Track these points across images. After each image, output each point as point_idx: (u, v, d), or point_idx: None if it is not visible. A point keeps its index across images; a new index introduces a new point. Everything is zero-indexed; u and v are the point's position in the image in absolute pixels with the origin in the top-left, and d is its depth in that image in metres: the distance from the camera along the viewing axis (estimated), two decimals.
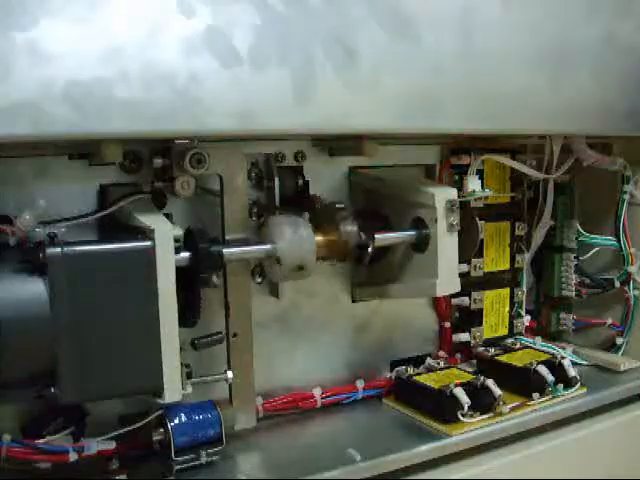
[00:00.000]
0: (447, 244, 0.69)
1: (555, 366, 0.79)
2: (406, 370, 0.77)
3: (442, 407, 0.71)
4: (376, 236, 0.67)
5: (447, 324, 0.86)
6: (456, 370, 0.78)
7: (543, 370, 0.77)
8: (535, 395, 0.76)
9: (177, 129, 0.50)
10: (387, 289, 0.75)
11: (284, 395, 0.75)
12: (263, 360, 0.74)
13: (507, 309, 0.87)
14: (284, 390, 0.76)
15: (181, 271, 0.58)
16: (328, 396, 0.77)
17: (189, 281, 0.61)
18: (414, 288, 0.72)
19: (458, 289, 0.71)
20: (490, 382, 0.73)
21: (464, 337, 0.85)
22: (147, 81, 0.49)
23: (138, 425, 0.62)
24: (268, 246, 0.63)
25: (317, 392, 0.76)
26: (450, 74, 0.63)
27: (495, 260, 0.85)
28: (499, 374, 0.80)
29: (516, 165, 0.78)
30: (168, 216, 0.67)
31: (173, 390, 0.57)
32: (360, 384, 0.78)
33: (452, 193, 0.69)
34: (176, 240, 0.57)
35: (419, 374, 0.77)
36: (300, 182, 0.72)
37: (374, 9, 0.58)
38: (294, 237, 0.62)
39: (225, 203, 0.64)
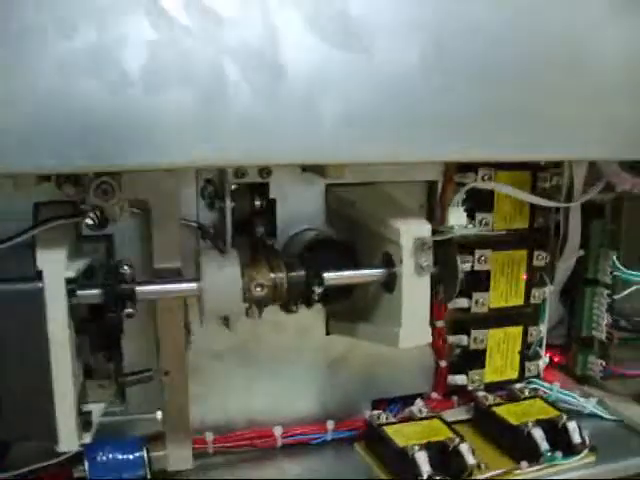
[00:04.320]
0: (415, 288, 0.59)
1: (558, 428, 0.67)
2: (378, 417, 0.68)
3: (401, 470, 0.62)
4: (325, 275, 0.58)
5: (443, 363, 0.75)
6: (438, 422, 0.68)
7: (538, 434, 0.65)
8: (523, 464, 0.65)
9: (32, 164, 0.44)
10: (356, 328, 0.66)
11: (240, 432, 0.68)
12: (219, 393, 0.69)
13: (518, 349, 0.76)
14: (246, 425, 0.70)
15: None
16: (291, 435, 0.70)
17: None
18: (378, 334, 0.63)
19: (427, 340, 0.61)
20: (464, 447, 0.62)
21: (460, 380, 0.74)
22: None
23: (53, 462, 0.59)
24: (192, 285, 0.56)
25: (277, 431, 0.69)
26: (416, 91, 0.52)
27: (505, 294, 0.74)
28: (493, 428, 0.70)
29: (519, 195, 0.65)
30: (109, 238, 0.63)
31: (69, 440, 0.52)
32: (330, 425, 0.70)
33: (423, 229, 0.59)
34: (71, 281, 0.51)
35: (391, 424, 0.68)
36: (259, 203, 0.64)
37: (309, 14, 0.48)
38: (218, 277, 0.55)
39: (153, 232, 0.58)
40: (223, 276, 0.55)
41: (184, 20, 0.46)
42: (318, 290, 0.58)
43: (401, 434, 0.65)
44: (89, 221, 0.57)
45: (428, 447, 0.62)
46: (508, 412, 0.70)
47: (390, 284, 0.61)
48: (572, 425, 0.67)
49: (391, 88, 0.51)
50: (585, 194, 0.68)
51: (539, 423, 0.67)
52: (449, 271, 0.61)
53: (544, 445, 0.65)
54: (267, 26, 0.47)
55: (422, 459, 0.61)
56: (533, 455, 0.65)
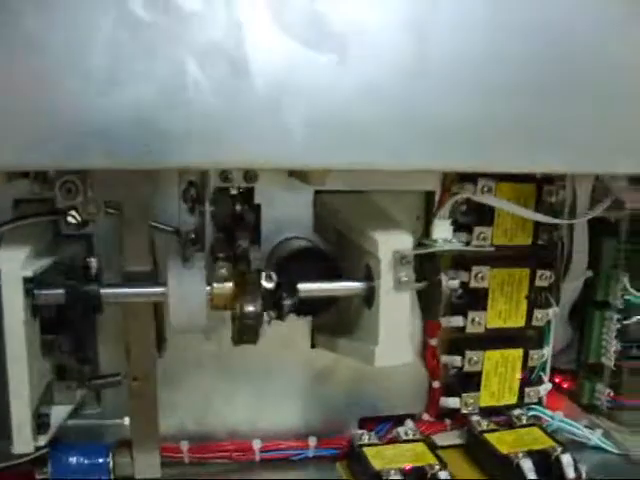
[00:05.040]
0: (393, 304, 0.56)
1: (551, 460, 0.63)
2: (360, 437, 0.65)
3: None
4: (300, 286, 0.56)
5: (436, 384, 0.71)
6: (422, 446, 0.64)
7: (527, 466, 0.61)
8: None
9: None
10: (338, 343, 0.63)
11: (218, 443, 0.66)
12: (198, 402, 0.68)
13: (518, 374, 0.71)
14: (225, 437, 0.68)
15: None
16: (270, 450, 0.67)
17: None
18: (357, 350, 0.60)
19: (407, 360, 0.58)
20: (444, 475, 0.59)
21: (453, 402, 0.70)
22: None
23: (13, 463, 0.58)
24: (157, 289, 0.54)
25: (256, 444, 0.66)
26: (389, 96, 0.49)
27: (505, 314, 0.69)
28: (483, 456, 0.66)
29: (514, 209, 0.61)
30: (89, 237, 0.62)
31: (23, 442, 0.51)
32: (312, 441, 0.67)
33: (403, 241, 0.55)
34: (28, 281, 0.50)
35: (373, 445, 0.64)
36: (239, 208, 0.62)
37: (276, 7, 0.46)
38: (182, 282, 0.53)
39: (124, 234, 0.56)
40: (186, 283, 0.53)
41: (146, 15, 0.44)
42: (289, 302, 0.55)
43: (380, 457, 0.62)
44: (70, 219, 0.56)
45: (405, 472, 0.59)
46: (500, 440, 0.66)
47: (370, 299, 0.58)
48: (566, 458, 0.62)
49: (365, 93, 0.48)
50: (590, 211, 0.64)
51: (530, 454, 0.62)
52: (433, 288, 0.58)
53: (531, 477, 0.61)
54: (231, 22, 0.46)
55: None
56: None
